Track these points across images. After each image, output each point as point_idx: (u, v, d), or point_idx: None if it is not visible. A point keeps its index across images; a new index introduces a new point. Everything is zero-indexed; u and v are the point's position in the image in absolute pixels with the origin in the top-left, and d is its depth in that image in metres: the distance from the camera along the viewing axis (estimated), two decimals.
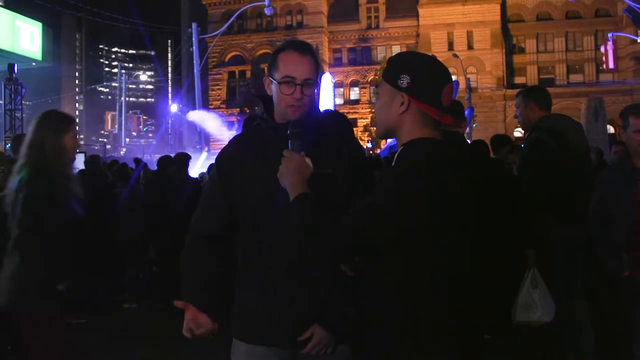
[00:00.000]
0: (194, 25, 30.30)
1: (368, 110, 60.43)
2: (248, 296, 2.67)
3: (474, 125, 43.63)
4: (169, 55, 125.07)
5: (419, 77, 2.19)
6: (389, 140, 16.50)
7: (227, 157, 2.76)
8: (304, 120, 2.61)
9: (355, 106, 62.66)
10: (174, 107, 40.80)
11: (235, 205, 2.70)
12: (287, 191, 2.32)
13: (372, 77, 61.37)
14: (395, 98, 2.21)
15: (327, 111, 3.08)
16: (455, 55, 48.32)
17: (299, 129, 2.51)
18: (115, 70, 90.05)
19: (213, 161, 3.04)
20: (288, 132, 2.50)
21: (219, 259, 2.75)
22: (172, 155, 9.42)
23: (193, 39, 29.99)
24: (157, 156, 11.90)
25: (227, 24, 34.99)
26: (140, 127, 56.41)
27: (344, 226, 2.10)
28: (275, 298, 2.59)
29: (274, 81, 2.61)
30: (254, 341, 2.65)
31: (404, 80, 2.18)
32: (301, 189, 2.28)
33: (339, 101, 58.02)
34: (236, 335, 2.72)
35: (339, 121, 2.90)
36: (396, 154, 2.23)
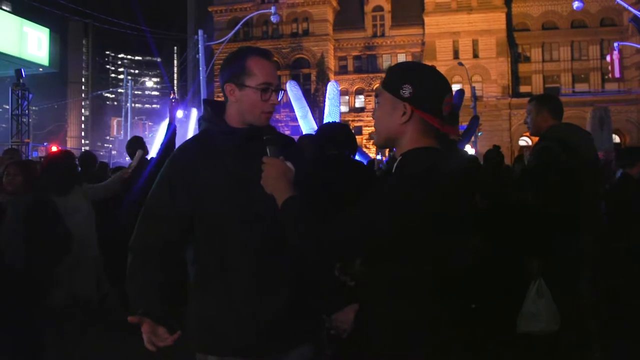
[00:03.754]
0: (200, 32, 30.35)
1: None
2: (210, 307, 2.59)
3: (479, 134, 43.53)
4: (175, 61, 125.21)
5: (421, 87, 2.20)
6: None
7: (181, 164, 2.64)
8: (270, 126, 2.63)
9: (360, 114, 62.61)
10: (179, 114, 40.84)
11: (190, 214, 2.59)
12: (275, 197, 2.29)
13: (377, 85, 61.13)
14: (397, 108, 2.23)
15: (330, 122, 3.10)
16: (460, 64, 48.29)
17: (274, 135, 2.51)
18: (122, 76, 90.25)
19: None
20: (264, 138, 2.47)
21: (170, 270, 2.61)
22: None
23: (199, 45, 30.05)
24: None
25: (233, 32, 35.03)
26: (146, 133, 56.42)
27: (337, 231, 2.10)
28: (241, 306, 2.54)
29: (248, 87, 2.57)
30: (220, 353, 2.58)
31: (407, 90, 2.20)
32: (288, 192, 2.27)
33: (344, 109, 57.99)
34: (200, 349, 2.63)
35: (342, 130, 2.87)
36: (396, 163, 2.25)
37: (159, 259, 2.58)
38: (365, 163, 12.51)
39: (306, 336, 2.70)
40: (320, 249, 2.17)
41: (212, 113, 2.70)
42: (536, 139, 5.14)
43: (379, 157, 26.33)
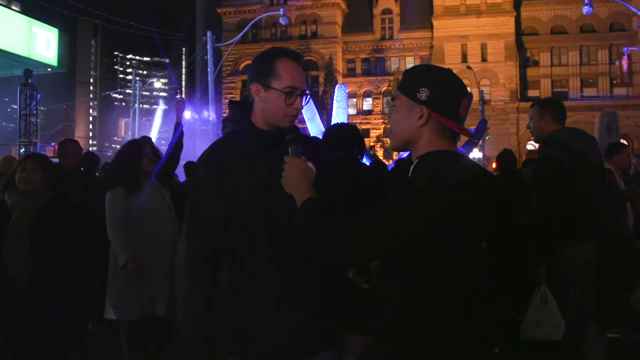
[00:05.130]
0: (208, 33, 30.40)
1: (381, 120, 60.43)
2: (240, 312, 2.59)
3: (487, 138, 43.44)
4: (183, 62, 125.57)
5: (438, 90, 2.19)
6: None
7: (213, 167, 2.62)
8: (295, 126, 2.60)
9: (368, 117, 62.65)
10: (187, 114, 40.88)
11: (225, 218, 2.58)
12: (294, 197, 2.28)
13: (385, 87, 61.35)
14: (413, 111, 2.21)
15: (338, 124, 3.09)
16: (468, 68, 48.24)
17: (296, 134, 2.48)
18: (130, 77, 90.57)
19: None
20: (286, 138, 2.46)
21: (215, 280, 2.62)
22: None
23: (208, 47, 30.09)
24: None
25: (241, 33, 35.07)
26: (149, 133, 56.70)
27: (353, 233, 2.09)
28: (270, 311, 2.54)
29: (273, 90, 2.56)
30: (248, 357, 2.59)
31: (423, 93, 2.18)
32: (308, 193, 2.25)
33: (352, 111, 58.02)
34: (229, 353, 2.62)
35: (350, 132, 2.88)
36: (412, 167, 2.24)
37: (210, 266, 2.59)
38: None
39: (331, 342, 2.71)
40: (332, 251, 2.15)
41: (239, 115, 2.69)
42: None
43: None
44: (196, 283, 2.60)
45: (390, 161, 28.82)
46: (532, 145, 54.74)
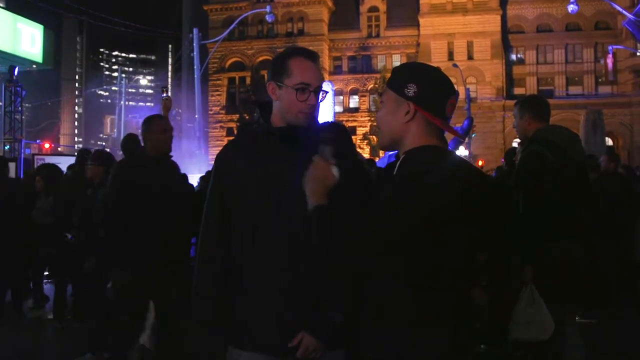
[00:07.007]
0: (195, 30, 30.34)
1: (367, 118, 60.41)
2: (245, 303, 2.66)
3: (473, 136, 43.57)
4: (170, 60, 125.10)
5: (425, 86, 2.20)
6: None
7: (223, 162, 2.77)
8: (312, 126, 2.66)
9: (354, 114, 62.62)
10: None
11: (232, 210, 2.69)
12: (307, 198, 2.28)
13: (371, 85, 61.36)
14: (400, 106, 2.23)
15: (327, 122, 3.11)
16: (455, 65, 48.29)
17: (332, 135, 2.53)
18: (116, 74, 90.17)
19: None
20: (320, 136, 2.51)
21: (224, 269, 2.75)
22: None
23: (194, 44, 30.02)
24: None
25: (227, 30, 35.06)
26: (140, 130, 56.44)
27: (351, 236, 2.10)
28: (273, 304, 2.58)
29: (285, 86, 2.61)
30: (246, 348, 2.64)
31: (411, 89, 2.19)
32: (319, 200, 2.24)
33: (339, 109, 57.99)
34: (230, 342, 2.71)
35: (339, 130, 2.91)
36: (398, 162, 2.25)
37: (218, 253, 2.74)
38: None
39: (340, 342, 2.67)
40: (337, 255, 2.17)
41: (261, 114, 2.76)
42: None
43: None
44: (205, 269, 2.78)
45: (377, 158, 28.85)
46: (517, 143, 54.91)
